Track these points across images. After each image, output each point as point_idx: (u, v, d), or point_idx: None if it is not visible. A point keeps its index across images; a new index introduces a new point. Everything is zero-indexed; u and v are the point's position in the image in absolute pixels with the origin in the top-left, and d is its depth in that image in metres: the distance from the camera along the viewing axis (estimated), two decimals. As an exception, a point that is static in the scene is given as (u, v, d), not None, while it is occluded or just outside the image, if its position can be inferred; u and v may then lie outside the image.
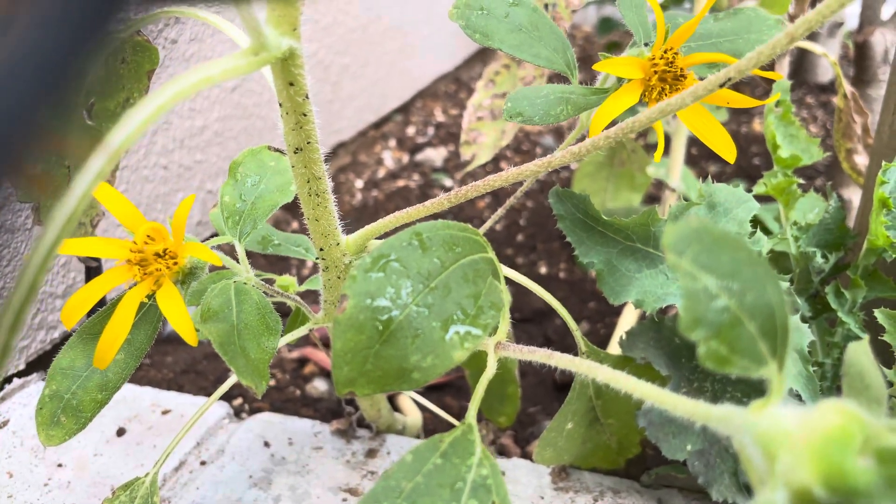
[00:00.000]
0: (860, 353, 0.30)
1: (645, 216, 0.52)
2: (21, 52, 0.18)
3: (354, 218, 1.25)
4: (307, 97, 0.39)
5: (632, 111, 0.50)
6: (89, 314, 0.48)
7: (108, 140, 0.27)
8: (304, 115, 0.40)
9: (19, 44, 0.18)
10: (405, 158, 1.48)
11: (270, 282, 0.55)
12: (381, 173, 1.41)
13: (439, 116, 1.67)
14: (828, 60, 0.77)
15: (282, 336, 0.53)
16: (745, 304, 0.24)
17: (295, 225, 1.22)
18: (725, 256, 0.24)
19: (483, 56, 2.02)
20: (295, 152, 0.42)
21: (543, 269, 1.09)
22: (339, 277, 0.50)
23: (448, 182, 1.38)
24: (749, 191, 0.56)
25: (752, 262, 0.25)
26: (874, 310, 0.55)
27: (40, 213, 0.52)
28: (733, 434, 0.26)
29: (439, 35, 1.77)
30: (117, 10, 0.20)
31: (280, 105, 0.40)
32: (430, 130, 1.59)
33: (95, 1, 0.19)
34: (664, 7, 1.24)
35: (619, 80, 0.48)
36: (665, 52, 0.46)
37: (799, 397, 0.52)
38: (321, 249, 0.48)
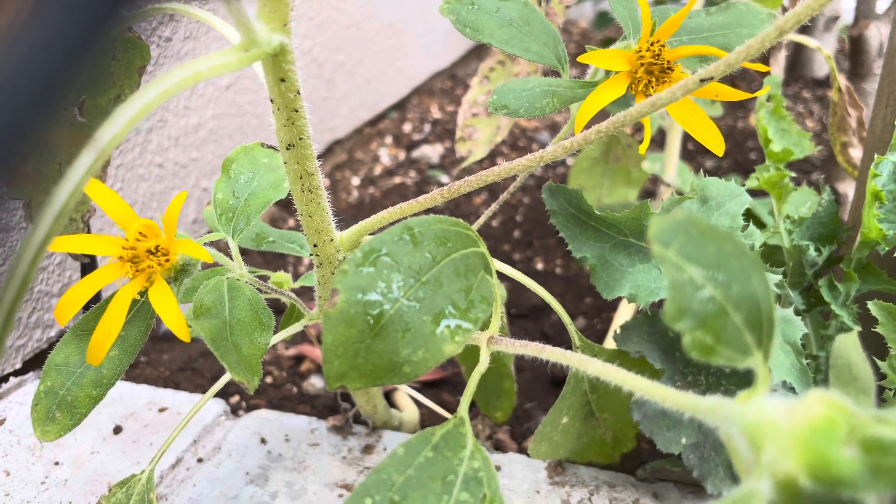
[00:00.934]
0: (848, 344, 0.30)
1: (638, 210, 0.52)
2: (17, 53, 0.18)
3: (351, 215, 1.25)
4: (299, 93, 0.39)
5: (625, 105, 0.50)
6: (84, 311, 0.48)
7: (97, 137, 0.27)
8: (296, 111, 0.40)
9: (15, 44, 0.18)
10: (401, 155, 1.48)
11: (265, 278, 0.55)
12: (378, 170, 1.41)
13: (435, 113, 1.67)
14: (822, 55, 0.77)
15: (276, 332, 0.53)
16: (730, 294, 0.24)
17: (291, 222, 1.22)
18: (711, 248, 0.24)
19: (478, 52, 2.02)
20: (287, 149, 0.42)
21: (540, 265, 1.09)
22: (332, 273, 0.50)
23: (445, 179, 1.38)
24: (743, 185, 0.56)
25: (738, 254, 0.25)
26: (867, 302, 0.55)
27: (31, 209, 0.52)
28: (720, 425, 0.26)
29: (434, 32, 1.77)
30: (115, 10, 0.20)
31: (272, 101, 0.40)
32: (427, 127, 1.59)
33: (95, 1, 0.19)
34: (660, 1, 1.24)
35: (608, 73, 0.48)
36: (651, 44, 0.46)
37: (793, 390, 0.52)
38: (315, 245, 0.48)
